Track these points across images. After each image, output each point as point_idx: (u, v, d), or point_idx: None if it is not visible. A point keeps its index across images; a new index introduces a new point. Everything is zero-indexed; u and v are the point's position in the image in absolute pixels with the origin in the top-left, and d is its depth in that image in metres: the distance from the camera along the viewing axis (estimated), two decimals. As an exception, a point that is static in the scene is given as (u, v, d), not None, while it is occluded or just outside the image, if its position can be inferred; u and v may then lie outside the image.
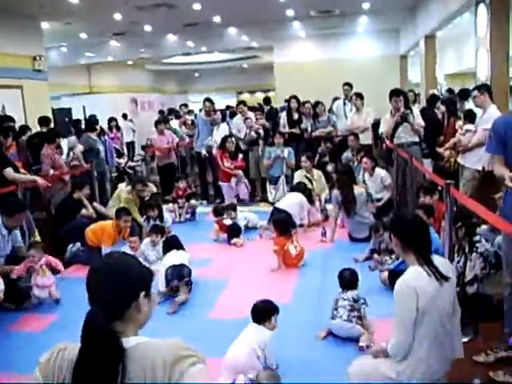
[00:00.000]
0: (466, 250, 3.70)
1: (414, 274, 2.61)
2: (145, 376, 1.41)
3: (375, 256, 5.13)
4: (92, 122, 7.85)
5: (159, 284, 4.56)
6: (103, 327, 1.43)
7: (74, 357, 1.45)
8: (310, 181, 7.55)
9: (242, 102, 9.84)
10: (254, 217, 7.00)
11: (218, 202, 8.25)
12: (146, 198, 7.11)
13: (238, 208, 6.86)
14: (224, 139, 8.35)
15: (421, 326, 2.58)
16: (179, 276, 4.60)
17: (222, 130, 8.77)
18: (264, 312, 3.41)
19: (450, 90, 9.92)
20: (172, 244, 5.16)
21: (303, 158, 7.70)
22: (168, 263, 4.76)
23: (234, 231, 6.32)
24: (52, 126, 8.57)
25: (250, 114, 9.37)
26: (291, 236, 5.38)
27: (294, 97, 9.19)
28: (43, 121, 8.17)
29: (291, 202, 6.60)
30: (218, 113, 9.38)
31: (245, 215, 6.92)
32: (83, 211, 6.15)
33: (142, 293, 1.55)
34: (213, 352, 2.74)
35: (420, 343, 2.61)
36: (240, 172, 8.38)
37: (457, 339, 2.76)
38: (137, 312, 1.53)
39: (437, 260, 2.70)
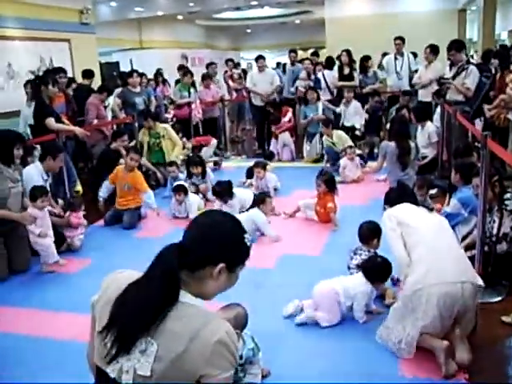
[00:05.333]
0: (502, 206, 3.51)
1: (398, 208, 3.13)
2: (178, 339, 1.30)
3: None
4: (127, 75, 7.81)
5: None
6: (170, 263, 1.39)
7: (127, 280, 1.42)
8: (333, 143, 7.50)
9: (261, 57, 9.48)
10: (273, 177, 6.50)
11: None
12: (190, 155, 7.30)
13: (274, 164, 7.41)
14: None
15: (411, 236, 2.89)
16: None
17: None
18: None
19: (503, 46, 9.32)
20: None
21: (321, 124, 7.75)
22: None
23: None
24: (95, 79, 8.65)
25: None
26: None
27: (346, 50, 8.89)
28: (86, 73, 8.28)
29: None
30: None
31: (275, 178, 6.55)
32: (121, 161, 6.22)
33: (222, 264, 1.43)
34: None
35: (414, 249, 2.85)
36: (286, 137, 8.62)
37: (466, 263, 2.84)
38: (210, 278, 1.44)
39: None
